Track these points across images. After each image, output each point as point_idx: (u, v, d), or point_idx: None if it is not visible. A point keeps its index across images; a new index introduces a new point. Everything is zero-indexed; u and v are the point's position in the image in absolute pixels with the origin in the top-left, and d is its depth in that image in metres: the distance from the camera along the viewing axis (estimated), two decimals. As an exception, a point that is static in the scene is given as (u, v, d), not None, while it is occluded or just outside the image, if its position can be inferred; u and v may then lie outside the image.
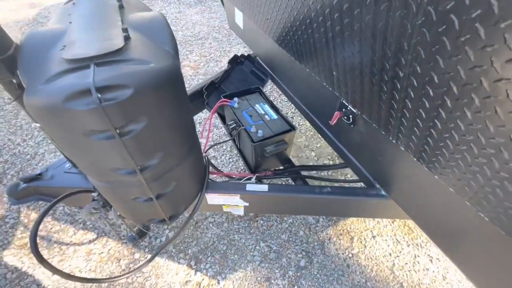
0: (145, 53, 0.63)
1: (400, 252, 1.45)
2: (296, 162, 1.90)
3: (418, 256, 1.43)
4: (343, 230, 1.55)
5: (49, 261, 1.41)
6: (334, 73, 0.91)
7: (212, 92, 1.53)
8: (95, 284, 1.33)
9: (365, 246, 1.48)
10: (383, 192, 0.97)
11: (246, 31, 1.77)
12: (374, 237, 1.52)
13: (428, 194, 0.79)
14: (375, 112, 0.78)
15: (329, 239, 1.51)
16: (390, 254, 1.44)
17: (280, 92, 2.37)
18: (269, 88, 2.55)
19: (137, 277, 1.37)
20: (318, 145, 2.04)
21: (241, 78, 1.60)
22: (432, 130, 0.61)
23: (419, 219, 0.88)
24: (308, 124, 2.21)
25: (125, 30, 0.65)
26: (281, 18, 1.07)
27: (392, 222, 1.58)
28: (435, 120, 0.58)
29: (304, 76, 1.21)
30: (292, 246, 1.48)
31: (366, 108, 0.82)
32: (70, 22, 0.72)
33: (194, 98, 1.47)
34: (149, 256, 1.43)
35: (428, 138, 0.63)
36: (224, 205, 1.05)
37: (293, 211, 1.21)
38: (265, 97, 1.32)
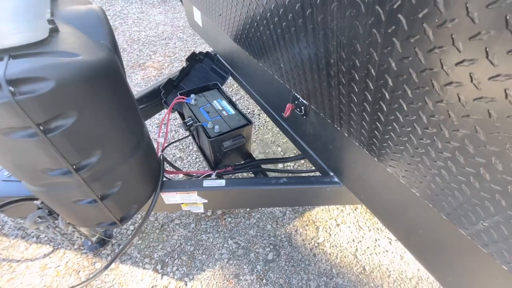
0: (74, 45, 0.60)
1: (362, 237, 1.52)
2: (262, 157, 1.91)
3: (378, 239, 1.51)
4: (309, 221, 1.59)
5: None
6: (282, 65, 0.93)
7: (171, 91, 1.49)
8: (50, 299, 1.25)
9: (330, 235, 1.53)
10: (336, 179, 1.00)
11: (205, 29, 1.75)
12: (338, 225, 1.57)
13: (373, 178, 0.83)
14: (322, 103, 0.81)
15: (295, 231, 1.54)
16: (353, 240, 1.50)
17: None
18: (236, 86, 2.55)
19: (99, 286, 1.30)
20: (284, 140, 2.08)
21: (201, 75, 1.59)
22: (369, 119, 0.64)
23: (368, 203, 0.92)
24: (274, 120, 2.25)
25: (51, 21, 0.61)
26: (234, 15, 1.07)
27: (355, 209, 1.65)
28: (373, 110, 0.61)
29: (260, 71, 1.23)
30: (260, 240, 1.49)
31: (314, 99, 0.85)
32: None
33: (152, 97, 1.43)
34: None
35: (367, 126, 0.66)
36: (182, 203, 1.03)
37: (252, 204, 1.22)
38: (223, 93, 1.31)
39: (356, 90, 0.61)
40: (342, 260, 1.42)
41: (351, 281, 1.34)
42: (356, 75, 0.58)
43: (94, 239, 1.37)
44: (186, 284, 1.32)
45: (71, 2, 0.82)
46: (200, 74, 1.59)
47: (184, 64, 1.57)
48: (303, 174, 1.41)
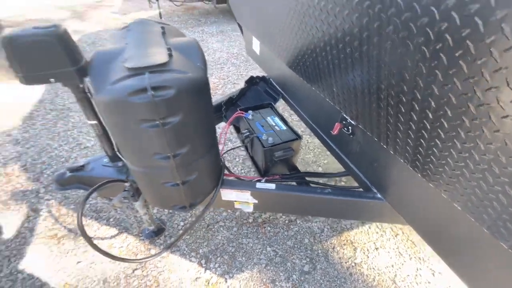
0: (184, 66, 0.83)
1: (402, 264, 1.49)
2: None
3: (420, 269, 1.47)
4: (347, 241, 1.61)
5: (75, 252, 1.56)
6: (334, 89, 1.08)
7: (230, 107, 1.73)
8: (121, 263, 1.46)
9: (368, 257, 1.53)
10: (379, 196, 1.08)
11: (261, 56, 2.00)
12: (377, 248, 1.57)
13: (416, 194, 0.89)
14: (370, 123, 0.92)
15: (332, 248, 1.58)
16: (392, 266, 1.48)
17: (292, 112, 2.56)
18: (281, 108, 2.75)
19: (151, 270, 1.48)
20: (325, 161, 2.16)
21: (256, 96, 1.80)
22: (422, 140, 0.72)
23: (411, 219, 0.97)
24: (316, 141, 2.36)
25: (169, 49, 0.86)
26: (292, 45, 1.27)
27: (395, 236, 1.63)
28: (423, 131, 0.71)
29: (311, 94, 1.39)
30: (297, 252, 1.56)
31: (362, 120, 0.97)
32: (126, 44, 0.94)
33: (214, 112, 1.67)
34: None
35: (420, 148, 0.75)
36: (235, 201, 1.18)
37: (296, 210, 1.32)
38: (276, 111, 1.49)
39: (403, 111, 0.72)
40: (380, 283, 1.41)
41: (388, 306, 1.33)
42: (403, 98, 0.70)
43: (152, 227, 1.58)
44: (226, 281, 1.44)
45: (173, 35, 1.10)
46: (255, 95, 1.81)
47: (242, 86, 1.81)
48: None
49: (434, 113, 0.63)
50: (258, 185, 1.12)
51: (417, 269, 1.47)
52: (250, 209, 1.20)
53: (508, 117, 0.49)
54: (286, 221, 1.72)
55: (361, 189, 1.18)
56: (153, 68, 0.75)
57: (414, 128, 0.72)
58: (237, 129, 1.68)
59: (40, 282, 1.42)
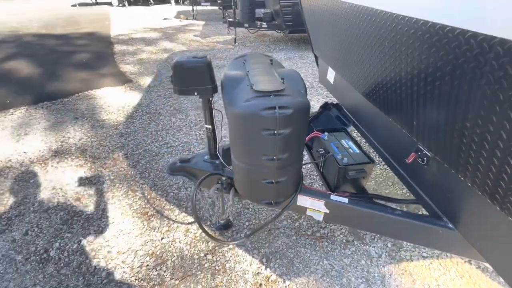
0: (294, 92, 1.08)
1: (466, 307, 1.45)
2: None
3: (487, 316, 1.41)
4: (405, 271, 1.63)
5: (160, 229, 1.89)
6: (414, 123, 1.21)
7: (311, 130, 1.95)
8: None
9: (428, 291, 1.52)
10: (450, 225, 1.14)
11: (334, 85, 2.21)
12: (438, 286, 1.55)
13: (492, 226, 0.96)
14: (449, 156, 1.03)
15: (390, 275, 1.61)
16: (438, 284, 1.45)
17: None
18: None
19: (220, 257, 1.72)
20: (387, 191, 2.20)
21: (328, 120, 2.00)
22: (504, 175, 0.82)
23: (484, 251, 1.02)
24: (378, 171, 2.41)
25: (282, 79, 1.12)
26: (370, 77, 1.45)
27: (461, 277, 1.58)
28: (500, 163, 0.81)
29: (384, 123, 1.53)
30: (353, 270, 1.63)
31: (441, 153, 1.08)
32: (248, 71, 1.24)
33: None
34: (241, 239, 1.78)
35: (501, 181, 0.84)
36: (308, 208, 1.36)
37: (365, 227, 1.42)
38: (349, 135, 1.66)
39: (487, 147, 0.83)
40: (440, 320, 1.39)
41: None
42: (488, 136, 0.82)
43: (222, 222, 1.84)
44: (284, 281, 1.58)
45: (277, 67, 1.38)
46: (327, 120, 2.00)
47: (317, 110, 2.03)
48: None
49: None
50: (333, 197, 1.29)
51: (484, 316, 1.41)
52: (320, 217, 1.36)
53: None
54: (344, 240, 1.81)
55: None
56: (276, 92, 1.02)
57: (496, 163, 0.82)
58: (308, 148, 1.88)
59: (134, 247, 1.77)
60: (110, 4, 13.06)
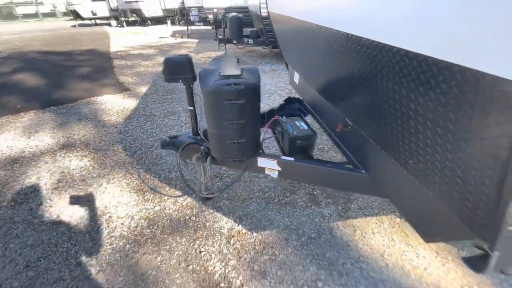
0: (248, 77, 1.55)
1: (392, 246, 1.85)
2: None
3: (406, 252, 1.81)
4: (350, 225, 2.04)
5: (153, 201, 2.28)
6: (343, 104, 1.68)
7: (271, 116, 2.41)
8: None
9: (364, 237, 1.93)
10: (363, 171, 1.58)
11: (299, 85, 2.71)
12: (373, 233, 1.96)
13: (394, 176, 1.39)
14: (363, 125, 1.49)
15: (337, 228, 2.01)
16: (383, 246, 1.86)
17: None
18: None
19: (202, 218, 2.11)
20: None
21: (291, 111, 2.47)
22: (394, 133, 1.28)
23: (388, 193, 1.45)
24: (331, 144, 2.86)
25: (241, 70, 1.60)
26: (321, 77, 1.93)
27: (392, 227, 2.00)
28: (394, 128, 1.26)
29: (327, 108, 2.00)
30: (308, 225, 2.04)
31: (358, 122, 1.54)
32: (218, 65, 1.72)
33: (261, 118, 2.37)
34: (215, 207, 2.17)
35: (392, 137, 1.29)
36: (266, 168, 1.79)
37: (308, 180, 1.85)
38: (303, 119, 2.13)
39: (386, 120, 1.30)
40: (370, 255, 1.79)
41: (373, 269, 1.70)
42: (386, 112, 1.28)
43: (204, 193, 2.25)
44: (252, 233, 1.97)
45: (242, 64, 1.86)
46: (290, 111, 2.48)
47: (282, 103, 2.51)
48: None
49: (414, 121, 1.20)
50: (282, 157, 1.73)
51: (404, 251, 1.81)
52: (275, 175, 1.79)
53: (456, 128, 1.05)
54: (304, 205, 2.23)
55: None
56: (234, 76, 1.49)
57: (389, 128, 1.28)
58: (272, 130, 2.33)
59: (131, 213, 2.16)
60: (109, 24, 13.86)
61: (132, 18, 15.12)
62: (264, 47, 6.78)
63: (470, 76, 0.73)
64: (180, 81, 1.69)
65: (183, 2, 15.31)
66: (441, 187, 0.99)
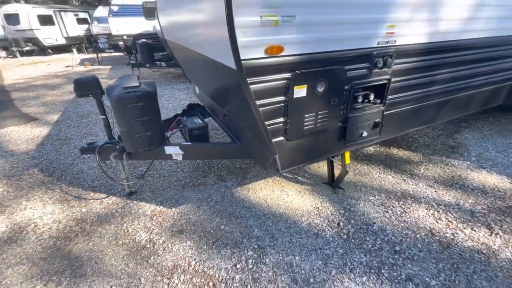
0: (145, 87, 2.16)
1: (272, 193, 2.66)
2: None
3: (281, 195, 2.65)
4: (245, 188, 2.78)
5: (79, 207, 2.59)
6: (221, 101, 2.44)
7: (176, 117, 3.03)
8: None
9: (255, 193, 2.69)
10: (238, 143, 2.35)
11: (199, 94, 3.44)
12: (261, 189, 2.75)
13: (253, 142, 2.17)
14: (233, 112, 2.25)
15: (236, 192, 2.73)
16: (266, 195, 2.65)
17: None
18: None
19: (127, 209, 2.52)
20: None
21: (192, 113, 3.15)
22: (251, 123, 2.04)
23: (251, 154, 2.23)
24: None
25: (140, 83, 2.20)
26: (208, 86, 2.67)
27: (273, 183, 2.83)
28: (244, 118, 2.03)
29: (217, 108, 2.75)
30: (215, 194, 2.69)
31: (231, 112, 2.31)
32: (121, 81, 2.27)
33: (167, 121, 2.97)
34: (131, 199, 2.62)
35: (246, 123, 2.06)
36: (173, 154, 2.39)
37: (205, 156, 2.53)
38: (200, 117, 2.82)
39: (236, 111, 2.06)
40: (257, 202, 2.56)
41: (258, 210, 2.46)
42: (235, 109, 2.05)
43: (128, 190, 2.68)
44: (171, 209, 2.51)
45: (143, 79, 2.46)
46: (192, 113, 3.15)
47: (184, 108, 3.17)
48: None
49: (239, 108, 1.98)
50: (183, 143, 2.37)
51: (280, 195, 2.64)
52: (180, 158, 2.41)
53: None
54: (213, 183, 2.88)
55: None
56: (133, 87, 2.07)
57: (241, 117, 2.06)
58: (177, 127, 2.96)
59: (58, 219, 2.41)
60: (-3, 56, 12.21)
61: (28, 48, 13.64)
62: (176, 68, 7.38)
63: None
64: (90, 95, 2.17)
65: (89, 30, 14.71)
66: (254, 142, 1.80)
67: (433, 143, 3.56)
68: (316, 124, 1.68)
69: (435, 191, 2.62)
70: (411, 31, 1.63)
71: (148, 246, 2.12)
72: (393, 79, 1.77)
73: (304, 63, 1.38)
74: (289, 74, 1.39)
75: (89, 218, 2.42)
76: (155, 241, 2.17)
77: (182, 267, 1.93)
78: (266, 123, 1.50)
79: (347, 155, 2.41)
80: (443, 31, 1.78)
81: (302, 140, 1.74)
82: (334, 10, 1.28)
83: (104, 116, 2.32)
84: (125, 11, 8.93)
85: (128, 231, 2.28)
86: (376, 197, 2.57)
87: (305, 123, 1.64)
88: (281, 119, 1.57)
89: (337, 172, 2.65)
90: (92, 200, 2.65)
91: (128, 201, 2.64)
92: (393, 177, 2.87)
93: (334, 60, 1.46)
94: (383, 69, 1.68)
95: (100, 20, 11.91)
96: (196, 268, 1.91)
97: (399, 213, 2.36)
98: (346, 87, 1.63)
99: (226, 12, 1.07)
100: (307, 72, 1.42)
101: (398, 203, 2.47)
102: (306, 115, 1.60)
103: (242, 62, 1.20)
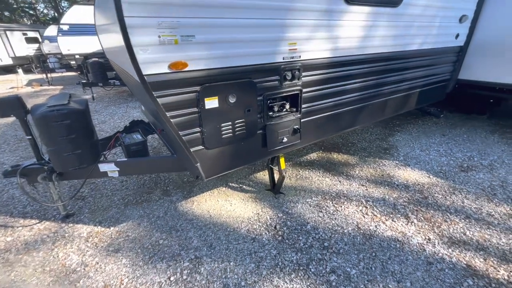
0: (75, 105, 2.14)
1: (216, 204, 2.71)
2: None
3: (224, 204, 2.70)
4: (190, 200, 2.79)
5: (4, 235, 2.40)
6: (157, 119, 2.48)
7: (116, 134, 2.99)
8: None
9: (199, 205, 2.72)
10: (175, 156, 2.39)
11: (144, 111, 3.44)
12: (206, 201, 2.78)
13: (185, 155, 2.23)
14: (167, 131, 2.30)
15: (180, 205, 2.73)
16: (210, 205, 2.69)
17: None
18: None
19: (61, 233, 2.39)
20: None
21: (134, 130, 3.13)
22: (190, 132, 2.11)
23: (186, 167, 2.29)
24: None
25: (69, 100, 2.18)
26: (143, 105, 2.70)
27: (219, 194, 2.88)
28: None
29: (159, 123, 2.79)
30: (158, 210, 2.66)
31: (163, 128, 2.35)
32: (49, 101, 2.22)
33: (109, 139, 2.92)
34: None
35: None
36: (108, 171, 2.35)
37: (141, 171, 2.52)
38: (140, 133, 2.82)
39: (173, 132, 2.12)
40: (200, 213, 2.58)
41: (200, 221, 2.48)
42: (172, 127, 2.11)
43: (63, 213, 2.55)
44: (110, 228, 2.43)
45: (75, 97, 2.43)
46: (133, 130, 3.13)
47: (126, 125, 3.15)
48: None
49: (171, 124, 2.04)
50: (118, 159, 2.35)
51: (223, 205, 2.70)
52: (117, 174, 2.37)
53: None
54: (157, 199, 2.85)
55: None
56: (59, 105, 2.04)
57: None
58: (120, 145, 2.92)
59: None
60: None
61: (-34, 69, 12.47)
62: (132, 86, 7.27)
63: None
64: (12, 115, 2.09)
65: (39, 49, 13.93)
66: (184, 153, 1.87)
67: (369, 146, 3.91)
68: (235, 133, 1.80)
69: (366, 189, 2.87)
70: (313, 47, 1.87)
71: (78, 269, 2.03)
72: (304, 90, 1.98)
73: (211, 77, 1.51)
74: (198, 87, 1.51)
75: (14, 247, 2.25)
76: (88, 263, 2.07)
77: (113, 286, 1.87)
78: (182, 133, 1.58)
79: (282, 161, 2.56)
80: (343, 48, 2.06)
81: (224, 148, 1.84)
82: (232, 30, 1.44)
83: (30, 137, 2.23)
84: (76, 30, 8.67)
85: (58, 256, 2.15)
86: (313, 198, 2.74)
87: (223, 132, 1.75)
88: (197, 129, 1.66)
89: (277, 178, 2.79)
90: (20, 228, 2.47)
91: (63, 225, 2.50)
92: (330, 179, 3.09)
93: (242, 73, 1.61)
94: (293, 81, 1.88)
95: (51, 39, 11.35)
96: (128, 286, 1.87)
97: (331, 211, 2.54)
98: (259, 98, 1.80)
99: (121, 33, 1.16)
100: (216, 85, 1.56)
101: (332, 203, 2.66)
102: (222, 124, 1.72)
103: (146, 77, 1.29)
